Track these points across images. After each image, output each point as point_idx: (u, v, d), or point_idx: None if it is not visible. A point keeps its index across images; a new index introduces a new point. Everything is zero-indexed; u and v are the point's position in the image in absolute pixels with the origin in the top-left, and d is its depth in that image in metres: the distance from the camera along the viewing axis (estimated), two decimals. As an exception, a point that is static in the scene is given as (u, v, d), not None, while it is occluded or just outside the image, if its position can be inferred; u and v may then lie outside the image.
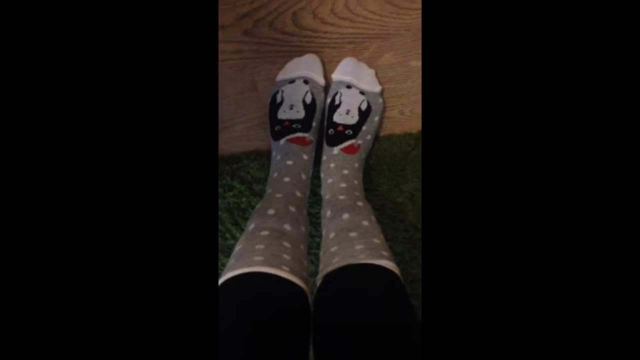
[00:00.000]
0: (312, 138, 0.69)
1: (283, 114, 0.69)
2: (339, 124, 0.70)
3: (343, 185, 0.65)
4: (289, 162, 0.65)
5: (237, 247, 0.52)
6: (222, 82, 0.73)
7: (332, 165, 0.68)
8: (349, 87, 0.70)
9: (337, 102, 0.70)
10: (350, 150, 0.69)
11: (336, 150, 0.69)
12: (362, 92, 0.71)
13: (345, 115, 0.70)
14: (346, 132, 0.69)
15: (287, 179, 0.63)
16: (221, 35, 0.69)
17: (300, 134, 0.68)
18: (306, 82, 0.70)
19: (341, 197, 0.62)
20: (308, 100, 0.69)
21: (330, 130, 0.70)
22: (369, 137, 0.71)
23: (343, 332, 0.41)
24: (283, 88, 0.70)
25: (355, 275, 0.47)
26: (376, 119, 0.72)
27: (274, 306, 0.43)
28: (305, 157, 0.67)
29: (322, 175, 0.69)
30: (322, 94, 0.71)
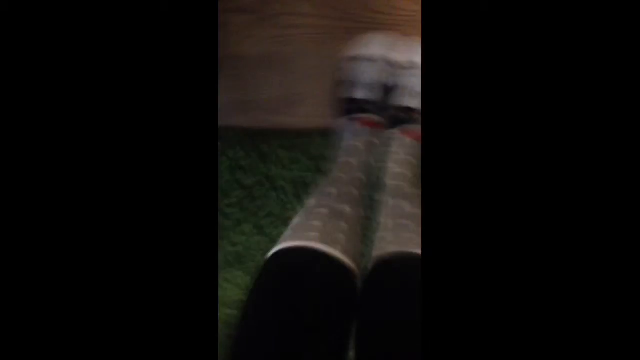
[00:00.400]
0: (383, 121, 0.67)
1: (357, 93, 0.68)
2: (411, 108, 0.67)
3: (408, 174, 0.63)
4: (357, 144, 0.65)
5: (295, 220, 0.53)
6: (294, 56, 0.74)
7: (400, 152, 0.66)
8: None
9: (407, 84, 0.68)
10: (419, 137, 0.66)
11: (408, 139, 0.67)
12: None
13: (413, 99, 0.67)
14: (416, 116, 0.67)
15: (352, 161, 0.63)
16: (301, 7, 0.70)
17: (371, 116, 0.67)
18: (386, 62, 0.68)
19: (404, 185, 0.61)
20: (385, 80, 0.68)
21: (402, 115, 0.68)
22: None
23: (385, 328, 0.41)
24: (360, 66, 0.69)
25: (406, 267, 0.47)
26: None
27: (322, 281, 0.44)
28: (374, 140, 0.66)
29: (388, 161, 0.68)
30: (401, 78, 0.69)
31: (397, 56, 0.68)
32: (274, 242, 0.50)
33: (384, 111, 0.68)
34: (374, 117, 0.67)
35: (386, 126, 0.69)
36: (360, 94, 0.68)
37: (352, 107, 0.68)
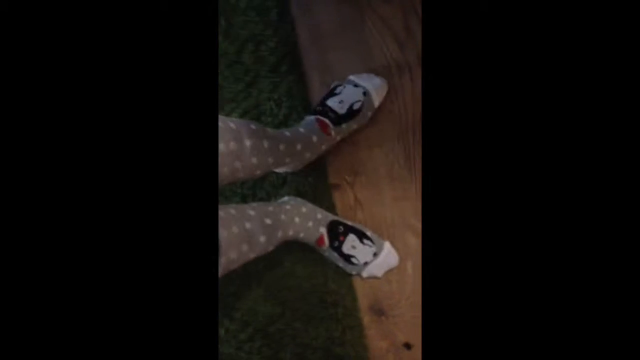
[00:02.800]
0: (334, 133, 0.74)
1: (331, 102, 0.75)
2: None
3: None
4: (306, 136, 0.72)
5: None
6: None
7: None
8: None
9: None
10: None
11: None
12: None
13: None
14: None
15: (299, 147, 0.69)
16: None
17: (328, 122, 0.73)
18: (365, 94, 0.75)
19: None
20: (355, 107, 0.75)
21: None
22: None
23: None
24: (346, 85, 0.75)
25: None
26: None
27: None
28: (316, 140, 0.72)
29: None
30: (368, 114, 0.76)
31: (376, 99, 0.76)
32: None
33: (340, 128, 0.75)
34: (330, 125, 0.73)
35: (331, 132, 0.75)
36: (333, 104, 0.75)
37: (321, 109, 0.75)
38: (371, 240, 0.76)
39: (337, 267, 0.80)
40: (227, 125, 0.55)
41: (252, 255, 0.62)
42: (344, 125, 0.74)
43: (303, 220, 0.72)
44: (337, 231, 0.74)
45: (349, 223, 0.76)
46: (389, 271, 0.77)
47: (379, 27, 0.78)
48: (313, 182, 0.81)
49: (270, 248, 0.67)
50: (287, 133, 0.69)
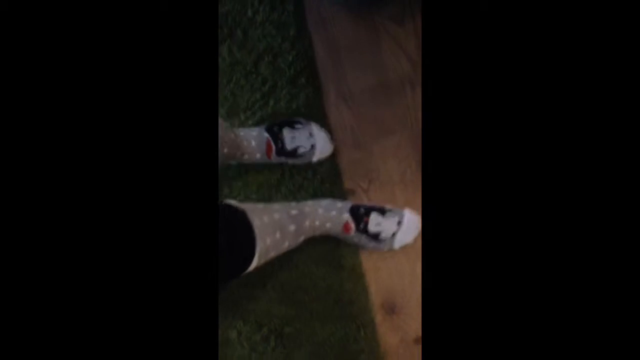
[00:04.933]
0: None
1: (286, 131, 0.82)
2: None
3: None
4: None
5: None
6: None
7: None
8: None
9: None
10: (347, 228, 0.78)
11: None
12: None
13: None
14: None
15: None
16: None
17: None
18: (312, 147, 0.83)
19: None
20: (299, 152, 0.82)
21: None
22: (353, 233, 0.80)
23: None
24: (304, 128, 0.83)
25: None
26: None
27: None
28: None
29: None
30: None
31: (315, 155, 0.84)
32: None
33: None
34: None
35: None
36: (287, 133, 0.82)
37: (277, 130, 0.82)
38: (392, 212, 0.80)
39: (352, 266, 0.85)
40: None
41: (285, 245, 0.66)
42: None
43: (326, 210, 0.77)
44: (359, 214, 0.78)
45: (368, 204, 0.80)
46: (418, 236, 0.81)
47: (392, 46, 0.85)
48: (329, 188, 0.86)
49: (301, 239, 0.71)
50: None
